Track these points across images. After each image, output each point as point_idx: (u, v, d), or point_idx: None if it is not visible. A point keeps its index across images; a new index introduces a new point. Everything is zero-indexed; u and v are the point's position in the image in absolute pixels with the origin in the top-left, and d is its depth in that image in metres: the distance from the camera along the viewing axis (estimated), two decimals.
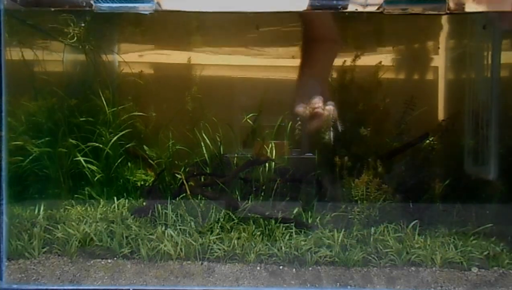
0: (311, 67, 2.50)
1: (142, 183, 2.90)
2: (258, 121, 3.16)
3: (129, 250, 2.33)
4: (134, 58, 3.31)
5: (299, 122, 2.57)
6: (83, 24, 2.65)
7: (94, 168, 2.83)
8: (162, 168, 2.96)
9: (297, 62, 3.22)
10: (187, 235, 2.39)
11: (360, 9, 2.11)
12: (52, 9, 2.16)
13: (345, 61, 3.02)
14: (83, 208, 2.69)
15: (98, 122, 2.91)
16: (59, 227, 2.44)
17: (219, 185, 2.80)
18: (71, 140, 2.83)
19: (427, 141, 2.81)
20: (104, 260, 2.30)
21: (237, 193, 2.83)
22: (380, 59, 3.06)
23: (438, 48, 3.26)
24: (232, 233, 2.41)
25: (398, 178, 2.71)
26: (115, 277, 2.18)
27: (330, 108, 2.33)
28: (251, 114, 3.16)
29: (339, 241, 2.32)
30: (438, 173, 2.69)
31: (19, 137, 2.71)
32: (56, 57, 2.97)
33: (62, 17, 2.56)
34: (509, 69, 2.86)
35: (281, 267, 2.25)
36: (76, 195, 2.79)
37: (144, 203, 2.73)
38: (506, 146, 2.68)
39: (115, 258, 2.31)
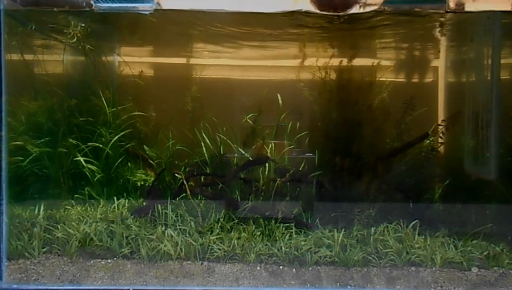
0: None
1: (142, 183, 2.90)
2: (258, 121, 3.16)
3: (129, 250, 2.32)
4: (134, 58, 3.32)
5: None
6: (83, 25, 2.65)
7: (94, 168, 2.83)
8: (162, 168, 2.96)
9: (296, 62, 3.24)
10: (187, 235, 2.38)
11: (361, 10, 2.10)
12: (56, 10, 2.16)
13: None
14: (83, 208, 2.69)
15: (98, 122, 2.92)
16: (59, 227, 2.43)
17: (219, 185, 2.81)
18: (71, 141, 2.83)
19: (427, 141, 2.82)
20: (104, 260, 2.30)
21: (237, 193, 2.83)
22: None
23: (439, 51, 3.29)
24: (232, 233, 2.40)
25: (397, 178, 2.71)
26: (115, 277, 2.18)
27: None
28: (251, 114, 3.17)
29: (339, 241, 2.31)
30: (438, 172, 2.70)
31: (19, 137, 2.71)
32: (57, 58, 2.97)
33: (62, 17, 2.56)
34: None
35: (281, 267, 2.25)
36: (76, 195, 2.79)
37: (144, 203, 2.73)
38: (506, 146, 2.69)
39: (115, 258, 2.31)
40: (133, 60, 3.26)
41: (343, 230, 2.38)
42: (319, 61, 3.15)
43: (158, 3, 2.07)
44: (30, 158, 2.71)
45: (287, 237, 2.37)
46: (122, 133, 2.91)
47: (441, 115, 3.21)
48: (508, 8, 2.13)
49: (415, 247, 2.30)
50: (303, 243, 2.33)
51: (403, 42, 3.17)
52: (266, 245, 2.33)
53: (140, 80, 3.21)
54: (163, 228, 2.42)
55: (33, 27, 2.65)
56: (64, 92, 2.89)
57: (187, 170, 2.95)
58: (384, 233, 2.39)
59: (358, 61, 3.16)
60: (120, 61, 3.23)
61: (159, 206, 2.56)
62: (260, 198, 2.76)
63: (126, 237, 2.38)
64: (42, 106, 2.84)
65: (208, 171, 2.98)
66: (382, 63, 3.23)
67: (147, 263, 2.27)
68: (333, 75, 3.15)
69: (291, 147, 3.06)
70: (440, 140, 2.78)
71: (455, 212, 2.59)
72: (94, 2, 2.09)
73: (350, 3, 2.02)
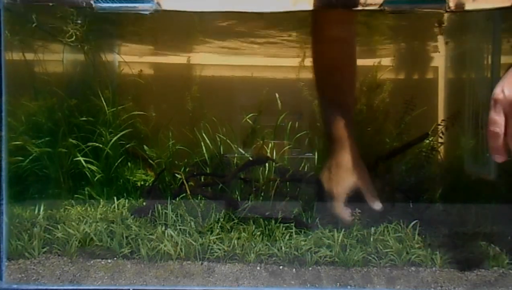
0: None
1: (142, 183, 2.90)
2: (258, 121, 3.16)
3: (129, 250, 2.32)
4: (134, 58, 3.32)
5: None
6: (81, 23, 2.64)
7: (94, 168, 2.82)
8: (162, 168, 2.96)
9: (296, 62, 3.24)
10: (187, 235, 2.38)
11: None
12: (51, 4, 2.14)
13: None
14: (83, 208, 2.69)
15: (98, 122, 2.91)
16: (59, 227, 2.43)
17: (219, 185, 2.80)
18: (71, 140, 2.82)
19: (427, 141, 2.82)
20: (104, 260, 2.30)
21: (237, 193, 2.83)
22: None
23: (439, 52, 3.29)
24: (232, 233, 2.40)
25: (397, 178, 2.72)
26: (115, 277, 2.18)
27: None
28: (251, 114, 3.17)
29: (339, 241, 2.31)
30: (438, 172, 2.70)
31: (19, 137, 2.71)
32: (57, 57, 2.97)
33: (61, 15, 2.56)
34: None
35: (281, 267, 2.25)
36: (76, 195, 2.79)
37: (144, 203, 2.73)
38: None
39: (115, 258, 2.31)
40: (133, 60, 3.26)
41: (343, 230, 2.38)
42: None
43: (158, 3, 2.07)
44: (30, 158, 2.71)
45: (287, 237, 2.37)
46: (122, 133, 2.91)
47: (440, 115, 3.21)
48: (508, 4, 2.12)
49: (415, 247, 2.30)
50: (303, 243, 2.33)
51: (402, 40, 3.17)
52: (266, 245, 2.33)
53: (140, 79, 3.21)
54: (163, 228, 2.42)
55: (34, 24, 2.65)
56: (64, 92, 2.89)
57: (187, 170, 2.95)
58: (384, 233, 2.39)
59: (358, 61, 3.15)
60: (120, 61, 3.23)
61: (159, 206, 2.56)
62: (260, 198, 2.76)
63: (126, 237, 2.38)
64: (42, 106, 2.84)
65: (208, 171, 2.98)
66: (376, 61, 3.23)
67: (147, 263, 2.27)
68: None
69: (290, 146, 3.06)
70: (440, 140, 2.78)
71: (455, 212, 2.59)
72: (94, 2, 2.09)
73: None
